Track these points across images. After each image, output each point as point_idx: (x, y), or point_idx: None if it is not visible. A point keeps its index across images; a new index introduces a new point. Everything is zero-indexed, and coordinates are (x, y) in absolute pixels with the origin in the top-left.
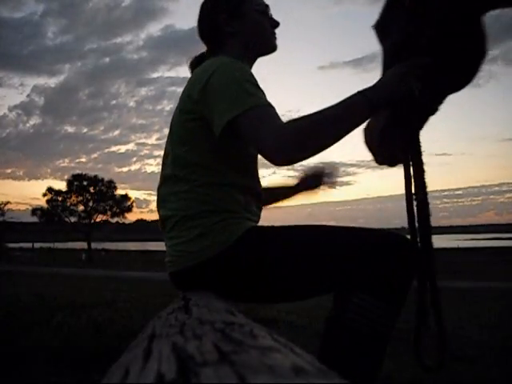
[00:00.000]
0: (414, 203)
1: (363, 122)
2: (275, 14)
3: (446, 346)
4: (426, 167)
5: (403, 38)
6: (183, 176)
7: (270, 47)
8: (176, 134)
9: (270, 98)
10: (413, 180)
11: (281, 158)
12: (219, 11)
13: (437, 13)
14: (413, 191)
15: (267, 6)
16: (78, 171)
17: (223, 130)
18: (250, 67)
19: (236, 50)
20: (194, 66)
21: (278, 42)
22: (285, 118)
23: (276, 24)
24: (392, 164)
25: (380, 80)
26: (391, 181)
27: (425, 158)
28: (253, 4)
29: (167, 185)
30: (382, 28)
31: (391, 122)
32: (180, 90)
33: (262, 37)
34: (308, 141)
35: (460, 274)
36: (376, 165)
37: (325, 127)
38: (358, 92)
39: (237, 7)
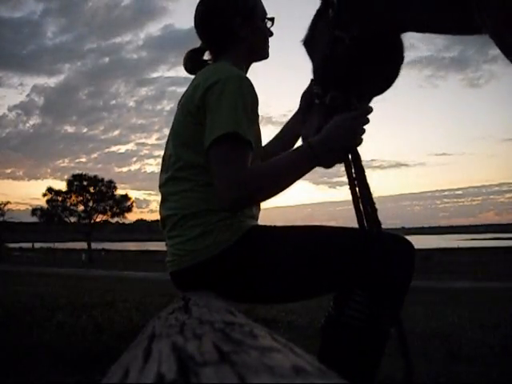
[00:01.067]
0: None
1: (309, 171)
2: (276, 12)
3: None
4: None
5: (330, 44)
6: (186, 177)
7: (265, 55)
8: (179, 135)
9: (270, 98)
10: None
11: (227, 207)
12: (234, 15)
13: (360, 19)
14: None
15: (272, 19)
16: (77, 171)
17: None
18: (246, 72)
19: (240, 55)
20: (191, 63)
21: (279, 40)
22: (286, 118)
23: (272, 34)
24: None
25: (327, 134)
26: (391, 181)
27: (425, 158)
28: (260, 12)
29: (169, 185)
30: (310, 43)
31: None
32: (180, 89)
33: (263, 45)
34: (257, 195)
35: (460, 274)
36: (376, 165)
37: (275, 183)
38: (307, 144)
39: (250, 13)
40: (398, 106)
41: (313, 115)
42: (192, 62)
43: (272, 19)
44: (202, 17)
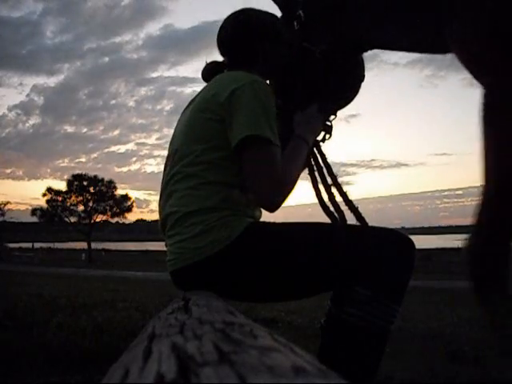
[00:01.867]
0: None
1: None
2: (276, 11)
3: None
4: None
5: (300, 53)
6: (193, 173)
7: (274, 75)
8: (193, 131)
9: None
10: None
11: (269, 207)
12: (265, 38)
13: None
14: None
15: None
16: (77, 171)
17: (236, 146)
18: None
19: (259, 74)
20: (212, 74)
21: None
22: None
23: None
24: None
25: (308, 127)
26: (391, 181)
27: (425, 158)
28: (283, 39)
29: (174, 181)
30: None
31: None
32: (180, 89)
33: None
34: (290, 191)
35: (460, 274)
36: (376, 165)
37: (296, 176)
38: (302, 138)
39: (277, 40)
40: (398, 106)
41: None
42: (214, 73)
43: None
44: (234, 35)
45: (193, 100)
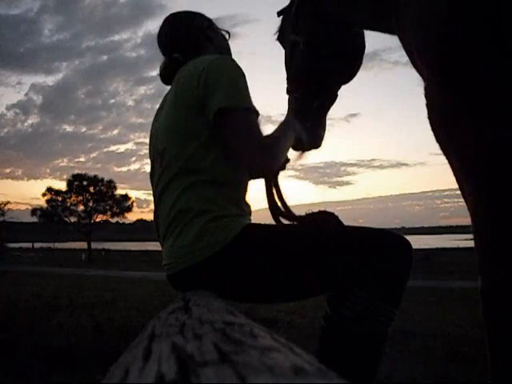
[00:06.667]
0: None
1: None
2: (275, 10)
3: None
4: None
5: (289, 48)
6: (180, 175)
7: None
8: (176, 131)
9: (270, 98)
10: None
11: (259, 169)
12: (202, 20)
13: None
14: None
15: (228, 32)
16: (76, 171)
17: (214, 117)
18: None
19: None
20: (171, 72)
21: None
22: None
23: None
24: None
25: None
26: (391, 181)
27: (425, 158)
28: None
29: (161, 187)
30: (280, 38)
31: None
32: None
33: (228, 50)
34: (279, 159)
35: (460, 273)
36: (376, 165)
37: (284, 149)
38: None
39: (210, 21)
40: (398, 105)
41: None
42: (172, 71)
43: (228, 32)
44: (175, 25)
45: (167, 95)
